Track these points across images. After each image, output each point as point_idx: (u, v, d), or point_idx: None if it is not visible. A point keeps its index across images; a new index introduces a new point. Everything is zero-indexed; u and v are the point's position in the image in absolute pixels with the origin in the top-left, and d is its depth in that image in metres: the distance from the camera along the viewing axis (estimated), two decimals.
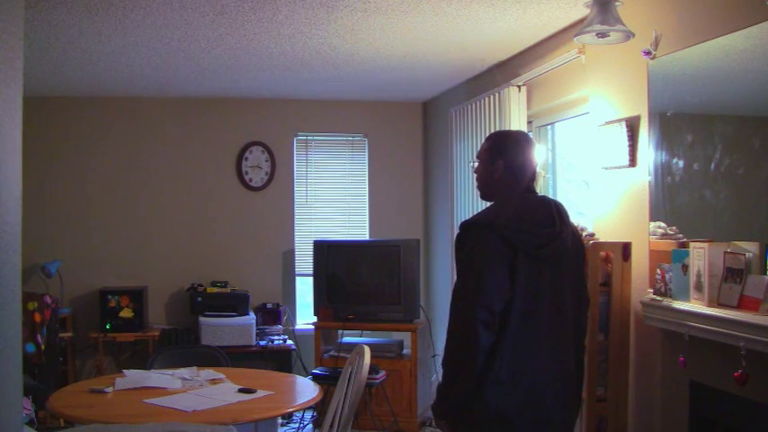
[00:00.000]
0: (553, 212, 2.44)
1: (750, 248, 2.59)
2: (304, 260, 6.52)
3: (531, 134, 4.60)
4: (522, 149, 2.53)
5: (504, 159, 2.50)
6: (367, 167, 6.72)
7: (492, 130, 4.77)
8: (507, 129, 2.83)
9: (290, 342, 5.98)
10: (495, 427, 2.31)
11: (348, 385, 3.42)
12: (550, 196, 2.59)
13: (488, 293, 2.27)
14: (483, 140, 2.66)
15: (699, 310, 2.69)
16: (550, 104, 4.39)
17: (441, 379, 2.39)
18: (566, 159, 4.64)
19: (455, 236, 2.46)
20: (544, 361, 2.35)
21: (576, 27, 3.52)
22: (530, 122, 4.59)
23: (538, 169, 4.23)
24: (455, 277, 2.45)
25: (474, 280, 2.29)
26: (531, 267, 2.33)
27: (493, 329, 2.26)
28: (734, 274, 2.59)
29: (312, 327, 5.73)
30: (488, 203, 2.55)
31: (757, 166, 2.72)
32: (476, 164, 2.62)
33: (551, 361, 2.37)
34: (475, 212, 2.55)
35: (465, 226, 2.41)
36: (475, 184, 2.67)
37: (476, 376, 2.27)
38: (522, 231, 2.34)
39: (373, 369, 4.83)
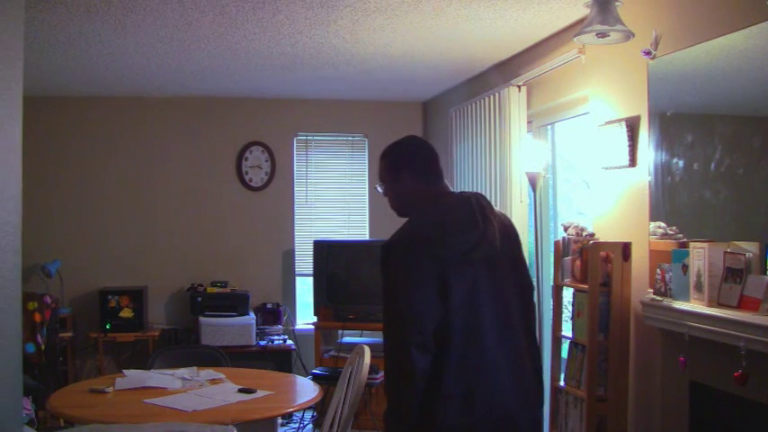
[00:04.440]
0: (474, 211, 2.30)
1: (750, 248, 2.59)
2: (304, 260, 6.51)
3: (530, 134, 4.60)
4: (422, 153, 2.43)
5: (409, 170, 2.39)
6: (367, 167, 6.72)
7: (492, 130, 4.76)
8: (395, 140, 2.52)
9: (290, 342, 5.97)
10: None
11: (348, 385, 3.42)
12: (469, 191, 2.43)
13: (418, 315, 2.16)
14: (379, 160, 2.47)
15: (699, 310, 2.69)
16: (550, 104, 4.39)
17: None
18: (566, 159, 4.63)
19: (379, 256, 2.30)
20: (499, 364, 2.24)
21: (576, 27, 3.52)
22: (530, 122, 4.59)
23: (540, 170, 4.20)
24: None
25: (402, 303, 2.19)
26: (463, 275, 2.22)
27: (429, 350, 2.16)
28: (734, 274, 2.59)
29: (312, 327, 5.74)
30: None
31: (757, 166, 2.72)
32: (381, 187, 2.48)
33: (506, 363, 2.26)
34: None
35: (385, 247, 2.28)
36: (397, 201, 2.47)
37: (418, 400, 2.16)
38: (444, 243, 2.23)
39: (373, 369, 4.82)
